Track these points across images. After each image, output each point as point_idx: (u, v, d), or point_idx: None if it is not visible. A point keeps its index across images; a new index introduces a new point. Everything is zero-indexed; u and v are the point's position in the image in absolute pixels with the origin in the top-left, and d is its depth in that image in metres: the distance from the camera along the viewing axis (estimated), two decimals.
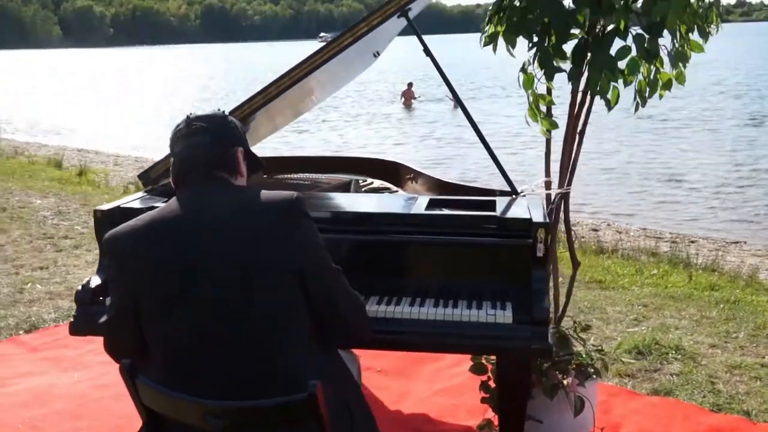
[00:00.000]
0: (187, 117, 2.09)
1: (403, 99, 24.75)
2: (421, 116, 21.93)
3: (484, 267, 2.50)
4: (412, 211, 2.64)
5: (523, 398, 2.65)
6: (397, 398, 3.54)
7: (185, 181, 2.03)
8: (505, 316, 2.35)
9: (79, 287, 2.54)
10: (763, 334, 4.22)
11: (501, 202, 2.75)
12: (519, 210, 2.61)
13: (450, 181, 3.31)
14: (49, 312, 4.80)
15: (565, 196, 2.97)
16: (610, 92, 2.70)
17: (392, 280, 2.53)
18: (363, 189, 3.61)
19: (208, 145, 2.03)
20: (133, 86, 37.99)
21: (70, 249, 6.41)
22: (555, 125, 2.91)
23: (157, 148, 16.46)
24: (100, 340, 2.15)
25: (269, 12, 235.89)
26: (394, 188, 3.62)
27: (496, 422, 3.00)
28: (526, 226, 2.46)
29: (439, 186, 3.33)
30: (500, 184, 2.93)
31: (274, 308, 1.89)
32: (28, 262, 6.00)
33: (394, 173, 3.78)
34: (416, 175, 3.59)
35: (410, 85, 24.81)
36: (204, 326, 1.87)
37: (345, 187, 3.52)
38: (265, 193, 1.98)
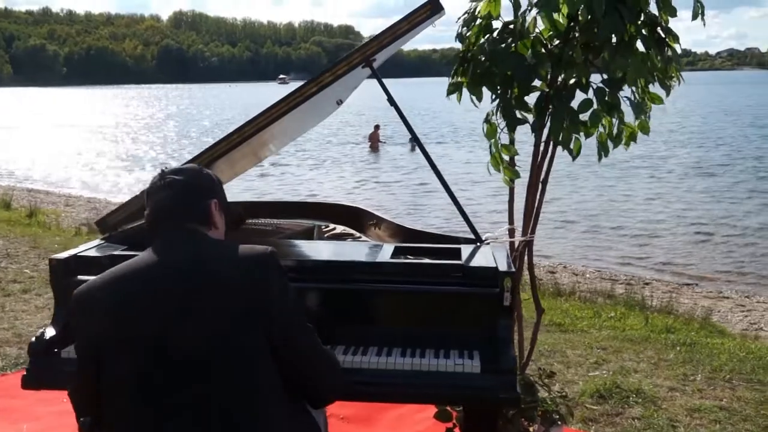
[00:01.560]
0: (162, 170, 2.09)
1: (369, 142, 24.48)
2: (388, 160, 21.75)
3: (451, 315, 2.49)
4: (378, 260, 2.62)
5: None
6: None
7: (158, 231, 2.00)
8: (472, 365, 2.34)
9: (33, 338, 2.45)
10: (720, 377, 4.28)
11: (466, 250, 2.76)
12: (484, 259, 2.62)
13: (413, 228, 3.32)
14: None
15: (528, 244, 3.00)
16: (572, 143, 2.74)
17: (358, 329, 2.50)
18: (326, 235, 3.59)
19: (180, 196, 2.02)
20: (86, 126, 37.50)
21: (19, 293, 6.22)
22: (517, 175, 2.94)
23: (109, 190, 16.35)
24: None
25: (227, 54, 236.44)
26: (357, 234, 3.61)
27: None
28: (492, 274, 2.47)
29: (402, 233, 3.33)
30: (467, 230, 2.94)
31: (247, 368, 1.83)
32: None
33: (356, 219, 3.77)
34: (379, 221, 3.59)
35: (377, 127, 24.58)
36: (175, 389, 1.80)
37: (307, 233, 3.50)
38: (238, 247, 1.95)
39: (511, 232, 3.06)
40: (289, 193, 14.76)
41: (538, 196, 2.99)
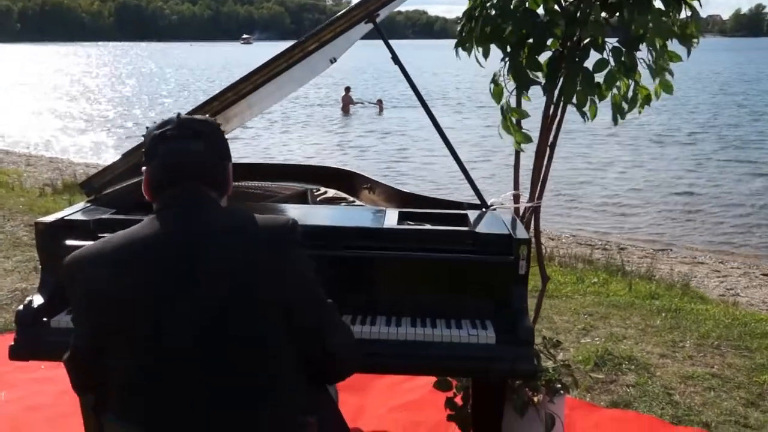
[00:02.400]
0: (178, 116, 1.81)
1: (341, 104, 23.74)
2: (360, 124, 20.92)
3: (463, 285, 2.39)
4: (386, 225, 2.50)
5: (499, 418, 2.56)
6: (354, 415, 3.38)
7: (165, 192, 1.77)
8: (487, 336, 2.25)
9: (21, 307, 2.29)
10: (708, 343, 4.29)
11: (473, 216, 2.65)
12: (497, 225, 2.52)
13: (411, 192, 3.20)
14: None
15: (535, 210, 2.90)
16: (587, 106, 2.63)
17: (367, 298, 2.40)
18: (318, 199, 3.45)
19: (202, 155, 1.78)
20: (42, 83, 36.37)
21: None
22: (529, 139, 2.83)
23: (70, 150, 15.81)
24: None
25: (187, 12, 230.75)
26: (351, 198, 3.48)
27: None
28: (506, 241, 2.37)
29: (398, 197, 3.21)
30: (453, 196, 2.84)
31: (260, 346, 1.70)
32: None
33: (349, 182, 3.63)
34: (373, 185, 3.46)
35: (347, 89, 23.88)
36: (181, 368, 1.66)
37: (301, 197, 3.36)
38: (257, 219, 1.77)
39: (516, 198, 2.96)
40: (263, 158, 14.17)
41: (545, 161, 2.89)
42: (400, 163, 14.36)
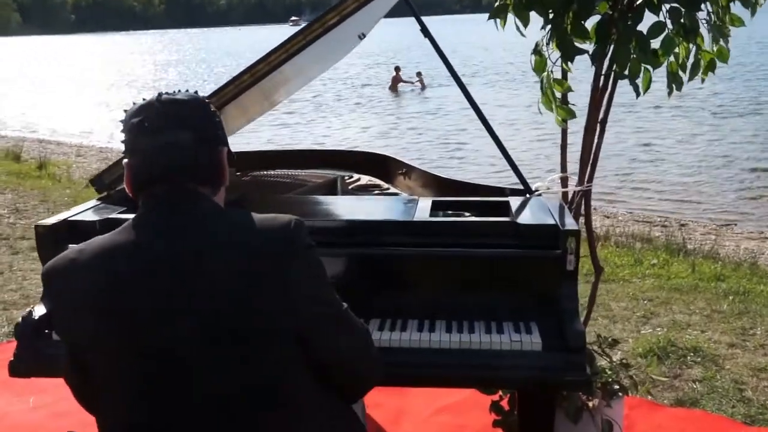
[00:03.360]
0: (158, 98, 1.52)
1: (390, 84, 22.85)
2: (409, 104, 20.12)
3: (504, 283, 2.12)
4: (416, 218, 2.25)
5: (549, 429, 2.29)
6: (394, 418, 3.17)
7: (149, 191, 1.52)
8: (532, 342, 1.98)
9: (20, 318, 2.12)
10: None
11: (515, 204, 2.38)
12: (541, 214, 2.24)
13: (448, 177, 2.94)
14: (2, 325, 4.35)
15: (585, 194, 2.61)
16: (641, 75, 2.32)
17: (395, 301, 2.15)
18: (350, 187, 3.22)
19: (191, 148, 1.50)
20: (97, 74, 36.94)
21: (28, 251, 5.91)
22: (572, 114, 2.54)
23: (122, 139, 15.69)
24: None
25: None
26: (385, 185, 3.23)
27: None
28: (552, 233, 2.10)
29: (435, 183, 2.95)
30: (499, 181, 2.56)
31: (265, 373, 1.46)
32: None
33: (383, 168, 3.39)
34: (409, 170, 3.21)
35: (398, 69, 23.05)
36: (168, 399, 1.45)
37: (331, 186, 3.12)
38: (255, 221, 1.51)
39: (564, 181, 2.67)
40: (301, 143, 13.81)
41: (596, 139, 2.59)
42: (448, 146, 13.62)
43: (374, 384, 1.71)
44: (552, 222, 2.13)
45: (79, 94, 26.30)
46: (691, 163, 11.07)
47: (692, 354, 3.61)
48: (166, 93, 1.57)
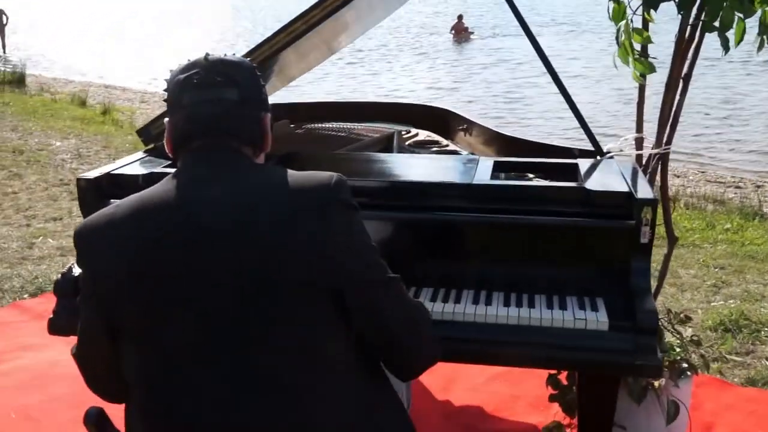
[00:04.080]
0: (206, 58, 1.46)
1: (453, 33, 22.17)
2: (472, 55, 19.18)
3: (568, 254, 1.94)
4: (475, 180, 2.07)
5: (610, 414, 2.12)
6: (445, 385, 3.04)
7: (190, 147, 1.46)
8: (598, 321, 1.80)
9: (59, 275, 2.05)
10: None
11: (585, 166, 2.18)
12: (614, 179, 2.04)
13: (512, 135, 2.73)
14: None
15: (663, 158, 2.38)
16: (734, 26, 2.07)
17: (449, 270, 1.99)
18: (407, 143, 3.04)
19: (236, 106, 1.44)
20: (157, 17, 37.10)
21: None
22: (652, 69, 2.29)
23: None
24: None
25: None
26: (444, 141, 3.05)
27: (566, 424, 2.50)
28: (625, 202, 1.90)
29: (498, 141, 2.75)
30: (566, 141, 2.35)
31: (302, 336, 1.36)
32: (41, 212, 5.57)
33: (442, 123, 3.20)
34: (469, 126, 3.02)
35: (460, 17, 22.39)
36: (201, 360, 1.35)
37: (387, 141, 2.95)
38: (293, 178, 1.41)
39: (639, 143, 2.45)
40: (356, 93, 13.27)
41: (678, 96, 2.35)
42: (512, 101, 12.85)
43: (428, 364, 1.55)
44: (625, 189, 1.93)
45: (145, 37, 26.48)
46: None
47: (767, 329, 3.36)
48: (215, 56, 1.49)
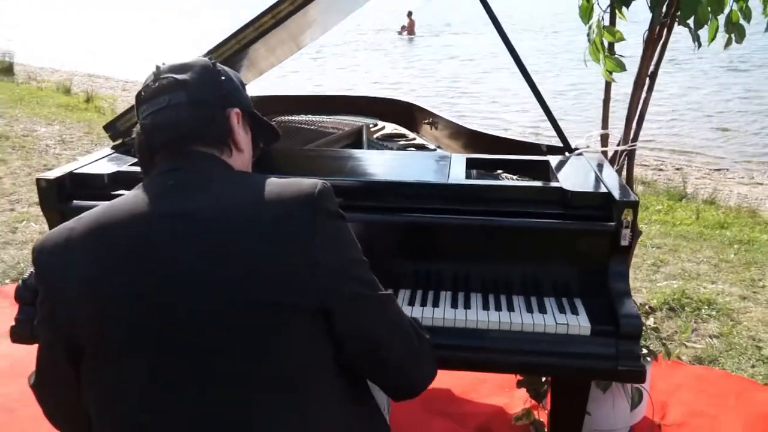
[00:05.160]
0: (156, 68, 1.22)
1: (405, 32, 20.94)
2: (425, 50, 18.05)
3: (546, 256, 1.66)
4: (451, 180, 1.77)
5: (582, 405, 1.87)
6: None
7: (154, 162, 1.18)
8: (580, 325, 1.54)
9: (20, 281, 1.69)
10: None
11: (556, 164, 1.90)
12: (591, 179, 1.76)
13: (478, 130, 2.44)
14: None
15: (630, 154, 2.12)
16: (708, 24, 1.80)
17: (426, 272, 1.70)
18: (375, 136, 2.73)
19: (185, 108, 1.16)
20: (138, 13, 35.64)
21: None
22: (622, 66, 2.02)
23: None
24: None
25: None
26: (411, 135, 2.74)
27: (534, 411, 2.26)
28: (605, 203, 1.63)
29: (465, 135, 2.46)
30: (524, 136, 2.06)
31: (284, 363, 1.06)
32: (24, 196, 5.09)
33: (408, 116, 2.89)
34: (434, 119, 2.72)
35: (410, 14, 21.15)
36: (170, 391, 1.05)
37: (356, 135, 2.64)
38: (273, 184, 1.12)
39: (605, 139, 2.18)
40: (318, 89, 11.97)
41: (644, 93, 2.08)
42: (463, 97, 11.78)
43: (427, 383, 1.25)
44: (604, 190, 1.66)
45: (130, 29, 25.32)
46: (681, 106, 10.31)
47: (706, 307, 3.17)
48: (166, 64, 1.23)
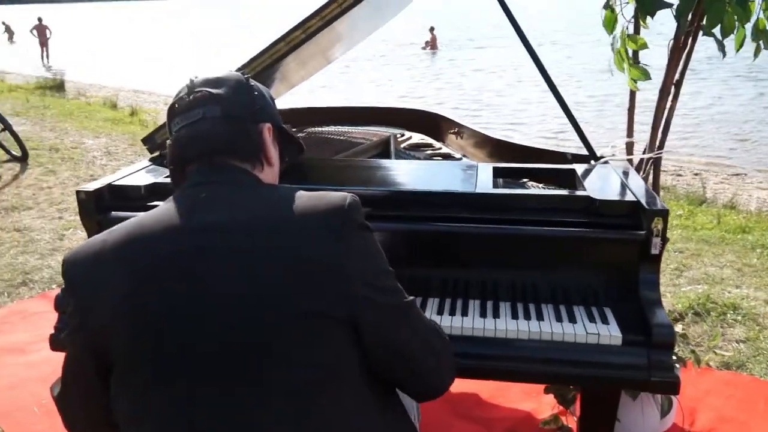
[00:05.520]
0: (190, 81, 1.17)
1: (429, 47, 20.61)
2: (447, 64, 17.65)
3: (575, 265, 1.58)
4: (479, 189, 1.70)
5: (612, 413, 1.78)
6: None
7: (184, 175, 1.13)
8: (611, 335, 1.45)
9: (60, 290, 1.66)
10: None
11: (582, 173, 1.82)
12: (619, 189, 1.68)
13: (503, 138, 2.36)
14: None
15: (656, 162, 2.02)
16: (735, 32, 1.70)
17: (455, 281, 1.63)
18: (402, 146, 2.66)
19: (219, 122, 1.12)
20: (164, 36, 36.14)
21: None
22: (647, 75, 1.92)
23: None
24: None
25: None
26: (437, 144, 2.67)
27: (562, 416, 2.16)
28: (635, 212, 1.54)
29: (490, 144, 2.38)
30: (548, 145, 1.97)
31: (319, 375, 1.00)
32: (72, 205, 5.12)
33: (433, 126, 2.82)
34: (460, 129, 2.64)
35: (432, 29, 20.93)
36: (206, 401, 0.99)
37: (384, 145, 2.58)
38: (303, 198, 1.07)
39: (630, 147, 2.08)
40: (346, 102, 12.10)
41: (669, 102, 1.98)
42: (486, 109, 11.20)
43: (447, 386, 1.20)
44: (633, 198, 1.57)
45: (170, 53, 25.65)
46: (700, 115, 10.03)
47: (732, 312, 3.04)
48: (200, 77, 1.18)
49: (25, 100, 11.12)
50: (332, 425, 1.01)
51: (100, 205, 1.71)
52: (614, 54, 1.92)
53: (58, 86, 13.65)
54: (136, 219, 1.08)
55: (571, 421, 2.11)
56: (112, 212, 1.71)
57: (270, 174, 1.19)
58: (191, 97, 1.12)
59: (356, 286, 1.02)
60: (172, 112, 1.15)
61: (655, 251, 1.50)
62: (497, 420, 2.36)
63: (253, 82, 1.20)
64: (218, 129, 1.10)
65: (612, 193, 1.63)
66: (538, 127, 9.33)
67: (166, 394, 1.00)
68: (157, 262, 1.01)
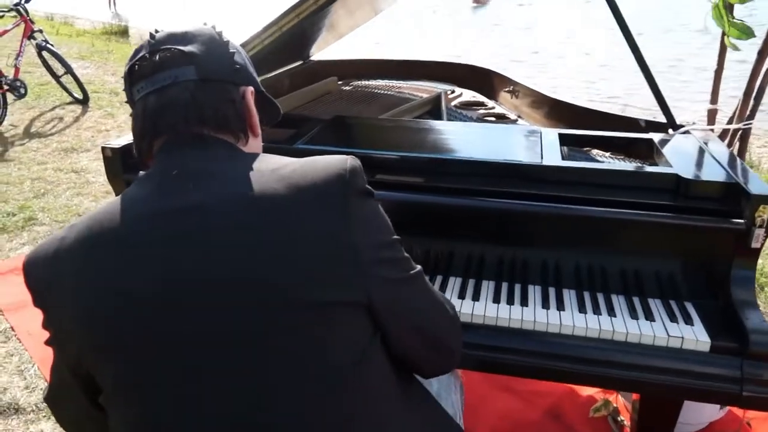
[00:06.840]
0: (151, 36, 0.88)
1: (478, 2, 18.54)
2: (499, 20, 15.47)
3: (652, 254, 1.27)
4: (545, 161, 1.38)
5: (673, 422, 1.50)
6: None
7: (152, 150, 0.86)
8: (697, 339, 1.15)
9: None
10: None
11: (662, 144, 1.48)
12: (708, 165, 1.34)
13: (563, 99, 2.01)
14: None
15: (744, 134, 1.66)
16: None
17: (513, 263, 1.34)
18: (453, 103, 2.33)
19: (197, 86, 0.84)
20: None
21: None
22: (750, 33, 1.54)
23: None
24: None
25: None
26: (489, 103, 2.34)
27: (614, 400, 1.90)
28: (733, 196, 1.21)
29: (549, 105, 2.04)
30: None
31: (329, 356, 0.77)
32: None
33: (486, 83, 2.47)
34: (516, 87, 2.29)
35: None
36: (198, 402, 0.75)
37: (435, 102, 2.25)
38: (296, 165, 0.81)
39: (712, 115, 1.72)
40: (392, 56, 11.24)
41: (766, 66, 1.60)
42: (538, 68, 9.25)
43: (459, 355, 0.97)
44: (732, 180, 1.24)
45: None
46: None
47: None
48: (162, 32, 0.88)
49: (91, 45, 10.94)
50: (354, 414, 0.78)
51: (126, 163, 1.46)
52: (712, 8, 1.53)
53: (122, 32, 13.43)
54: (100, 209, 0.81)
55: (617, 401, 1.85)
56: (141, 172, 1.45)
57: (254, 145, 0.92)
58: (157, 57, 0.84)
59: (366, 266, 0.79)
60: (133, 74, 0.86)
61: (756, 245, 1.18)
62: (539, 394, 2.11)
63: (228, 38, 0.92)
64: (194, 95, 0.83)
65: (704, 171, 1.29)
66: (602, 88, 8.19)
67: (161, 395, 0.76)
68: (128, 257, 0.76)
